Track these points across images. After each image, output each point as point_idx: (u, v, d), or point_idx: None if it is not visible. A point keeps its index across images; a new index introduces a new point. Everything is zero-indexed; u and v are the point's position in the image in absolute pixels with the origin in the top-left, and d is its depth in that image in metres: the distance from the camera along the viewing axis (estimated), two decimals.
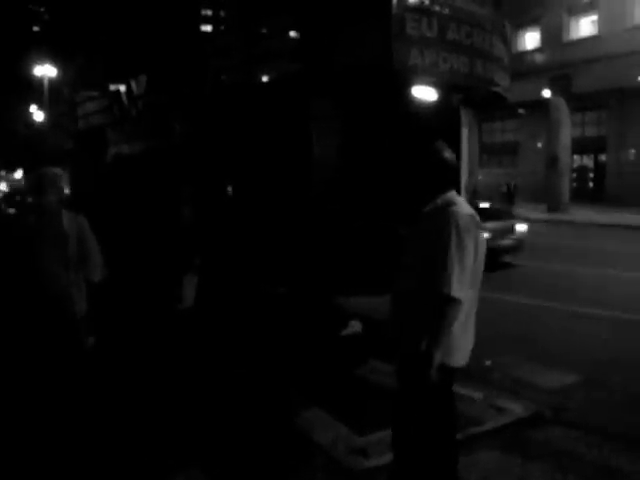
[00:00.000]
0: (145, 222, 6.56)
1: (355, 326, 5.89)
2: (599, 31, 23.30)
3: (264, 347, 5.11)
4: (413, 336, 2.47)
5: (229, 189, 5.79)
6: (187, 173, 6.23)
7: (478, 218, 2.53)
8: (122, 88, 8.21)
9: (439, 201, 2.57)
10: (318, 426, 3.67)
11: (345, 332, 5.76)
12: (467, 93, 6.00)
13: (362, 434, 3.55)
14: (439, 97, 5.72)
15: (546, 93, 24.02)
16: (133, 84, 7.88)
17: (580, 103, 24.91)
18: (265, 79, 5.95)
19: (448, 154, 2.64)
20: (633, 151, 26.19)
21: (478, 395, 4.26)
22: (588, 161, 29.09)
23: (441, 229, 2.44)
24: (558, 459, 3.39)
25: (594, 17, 23.84)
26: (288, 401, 4.09)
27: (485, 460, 3.37)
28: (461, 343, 2.51)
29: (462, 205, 2.57)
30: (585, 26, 24.69)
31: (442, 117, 6.10)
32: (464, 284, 2.41)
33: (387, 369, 4.65)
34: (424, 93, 5.61)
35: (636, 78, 21.93)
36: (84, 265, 3.43)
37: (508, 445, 3.54)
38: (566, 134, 23.69)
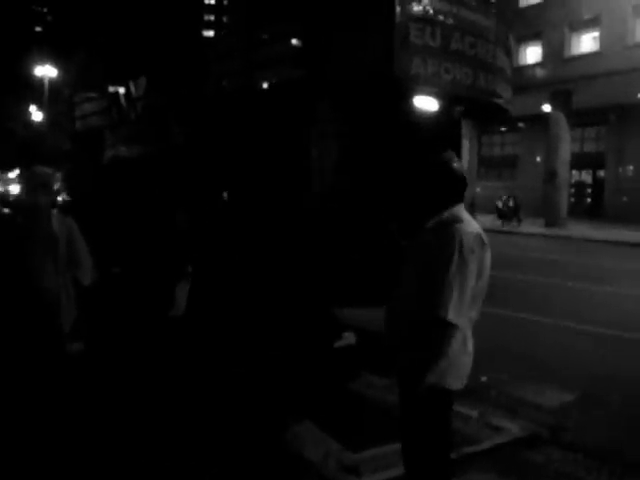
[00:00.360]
0: (139, 226, 6.46)
1: (349, 338, 5.78)
2: (600, 47, 23.36)
3: (256, 357, 5.00)
4: (408, 352, 2.39)
5: (225, 195, 5.71)
6: (184, 178, 6.14)
7: (484, 236, 2.40)
8: (121, 90, 8.13)
9: (445, 215, 2.43)
10: (309, 441, 3.55)
11: (338, 344, 5.66)
12: (468, 104, 5.94)
13: (355, 450, 3.43)
14: (440, 108, 5.65)
15: (546, 108, 24.07)
16: (132, 86, 7.81)
17: (580, 119, 24.97)
18: (266, 85, 5.89)
19: (457, 165, 2.50)
20: (631, 167, 26.25)
21: (474, 413, 4.15)
22: (586, 177, 29.16)
23: (444, 247, 2.31)
24: None
25: (595, 34, 23.92)
26: (279, 414, 3.97)
27: None
28: (459, 366, 2.38)
29: (469, 222, 2.41)
30: (586, 42, 24.78)
31: (443, 128, 6.04)
32: (462, 308, 2.29)
33: (382, 383, 4.56)
34: (425, 103, 5.54)
35: (636, 95, 22.03)
36: (73, 268, 3.35)
37: (504, 467, 3.43)
38: (565, 149, 23.70)
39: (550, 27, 24.57)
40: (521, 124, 30.00)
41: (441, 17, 4.98)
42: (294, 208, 5.42)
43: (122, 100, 7.95)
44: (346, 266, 5.24)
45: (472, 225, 2.40)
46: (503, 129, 32.36)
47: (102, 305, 5.10)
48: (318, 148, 5.49)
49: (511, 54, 6.00)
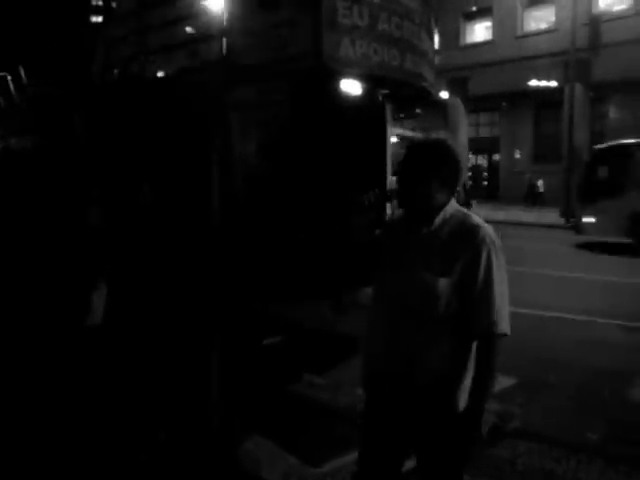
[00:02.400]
0: (41, 226, 5.79)
1: (278, 334, 5.51)
2: (493, 37, 24.39)
3: (183, 365, 4.58)
4: (440, 379, 2.02)
5: (146, 188, 5.21)
6: (93, 172, 5.56)
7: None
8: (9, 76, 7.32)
9: (450, 210, 2.08)
10: (264, 459, 3.23)
11: (268, 341, 5.36)
12: (393, 88, 5.80)
13: (316, 464, 3.16)
14: (365, 91, 5.47)
15: (444, 94, 24.80)
16: (22, 71, 7.03)
17: (475, 105, 25.96)
18: (178, 68, 5.45)
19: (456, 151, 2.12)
20: (518, 151, 27.70)
21: None
22: (482, 160, 30.48)
23: (477, 251, 1.98)
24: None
25: (488, 23, 24.95)
26: (221, 430, 3.60)
27: None
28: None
29: (476, 216, 2.11)
30: (480, 31, 25.79)
31: (368, 112, 5.87)
32: (507, 315, 2.03)
33: (324, 383, 4.34)
34: (350, 86, 5.34)
35: (525, 82, 23.16)
36: None
37: (474, 467, 3.25)
38: (463, 134, 24.53)
39: (446, 16, 25.31)
40: (418, 110, 30.76)
41: None
42: (218, 197, 5.04)
43: (11, 87, 7.14)
44: (272, 260, 4.96)
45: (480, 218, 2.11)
46: (401, 115, 33.08)
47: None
48: (239, 134, 5.15)
49: (433, 37, 5.92)
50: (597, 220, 13.38)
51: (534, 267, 10.39)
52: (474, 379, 2.02)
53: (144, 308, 5.05)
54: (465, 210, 2.12)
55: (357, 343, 5.58)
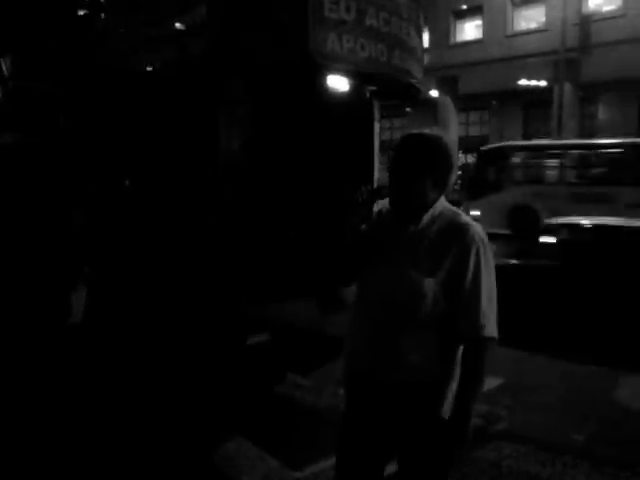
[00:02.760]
0: (22, 225, 5.66)
1: (262, 334, 5.44)
2: (483, 36, 24.39)
3: (165, 367, 4.49)
4: (424, 380, 1.96)
5: (127, 186, 5.11)
6: (75, 168, 5.44)
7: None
8: None
9: (440, 208, 2.01)
10: (244, 463, 3.15)
11: (252, 341, 5.29)
12: (380, 84, 5.72)
13: (297, 468, 3.09)
14: (352, 87, 5.40)
15: (434, 93, 24.78)
16: (3, 64, 6.86)
17: (465, 103, 25.93)
18: (166, 63, 5.33)
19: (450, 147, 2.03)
20: None
21: None
22: (472, 159, 30.49)
23: (465, 251, 1.91)
24: None
25: (478, 22, 24.95)
26: (202, 430, 3.53)
27: None
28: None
29: (465, 215, 2.04)
30: (470, 30, 25.79)
31: (355, 109, 5.81)
32: (495, 317, 1.95)
33: (309, 384, 4.26)
34: (337, 82, 5.26)
35: (515, 81, 23.16)
36: None
37: (462, 471, 3.21)
38: (454, 132, 24.52)
39: (436, 14, 25.26)
40: (408, 109, 30.72)
41: None
42: (203, 195, 4.95)
43: None
44: (258, 259, 4.88)
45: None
46: (390, 114, 33.02)
47: None
48: (226, 129, 5.07)
49: (422, 34, 5.85)
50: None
51: None
52: (460, 383, 1.95)
53: (128, 307, 4.96)
54: (455, 208, 2.05)
55: (341, 342, 5.53)
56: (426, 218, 1.98)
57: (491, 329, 1.92)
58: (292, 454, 3.21)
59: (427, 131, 2.11)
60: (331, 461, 2.96)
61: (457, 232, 1.94)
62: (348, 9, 4.65)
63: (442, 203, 2.03)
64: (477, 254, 1.91)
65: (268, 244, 4.93)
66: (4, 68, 6.77)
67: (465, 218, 2.00)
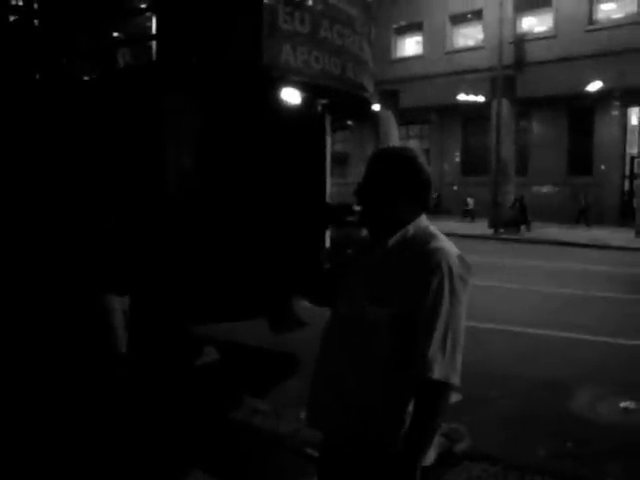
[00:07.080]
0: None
1: (211, 353, 5.23)
2: (423, 51, 24.98)
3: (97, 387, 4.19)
4: (375, 423, 1.72)
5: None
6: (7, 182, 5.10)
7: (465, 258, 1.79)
8: None
9: (412, 230, 1.80)
10: None
11: (201, 361, 5.07)
12: (333, 97, 5.66)
13: None
14: (304, 101, 5.31)
15: (376, 107, 25.16)
16: None
17: (405, 117, 26.48)
18: (108, 71, 5.09)
19: (425, 162, 1.87)
20: (447, 164, 28.46)
21: None
22: None
23: (425, 278, 1.68)
24: None
25: (419, 38, 25.54)
26: (155, 468, 3.28)
27: None
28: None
29: (445, 240, 1.80)
30: (410, 46, 26.36)
31: (307, 122, 5.71)
32: (459, 361, 1.69)
33: (266, 408, 4.09)
34: (289, 95, 5.15)
35: (454, 96, 23.81)
36: None
37: None
38: (395, 145, 24.99)
39: (378, 29, 25.63)
40: (350, 122, 31.02)
41: (310, 2, 4.63)
42: (146, 206, 4.72)
43: None
44: (204, 277, 4.68)
45: (450, 244, 1.79)
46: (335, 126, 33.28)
47: None
48: (171, 141, 4.86)
49: (373, 47, 5.84)
50: None
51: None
52: (409, 426, 1.68)
53: (57, 328, 4.64)
54: (435, 232, 1.82)
55: (298, 361, 5.38)
56: (393, 240, 1.78)
57: (443, 372, 1.64)
58: None
59: (398, 146, 2.05)
60: None
61: (423, 257, 1.72)
62: (303, 21, 4.56)
63: (419, 224, 1.83)
64: (440, 283, 1.67)
65: (214, 261, 4.73)
66: None
67: (439, 244, 1.76)
